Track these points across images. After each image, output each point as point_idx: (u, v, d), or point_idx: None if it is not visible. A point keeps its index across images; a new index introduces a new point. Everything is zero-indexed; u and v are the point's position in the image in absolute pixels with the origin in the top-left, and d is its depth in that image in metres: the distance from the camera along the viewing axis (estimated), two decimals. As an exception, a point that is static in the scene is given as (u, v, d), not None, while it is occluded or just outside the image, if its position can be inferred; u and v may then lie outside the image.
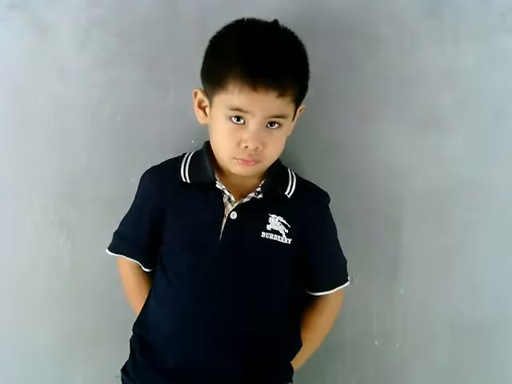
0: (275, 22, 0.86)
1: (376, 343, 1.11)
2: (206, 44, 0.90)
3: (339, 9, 1.03)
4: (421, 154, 1.06)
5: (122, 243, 0.98)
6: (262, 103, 0.81)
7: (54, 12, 1.03)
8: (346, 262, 1.00)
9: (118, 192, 1.01)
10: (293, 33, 0.87)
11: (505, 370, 1.11)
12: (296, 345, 0.97)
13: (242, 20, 0.87)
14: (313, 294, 0.99)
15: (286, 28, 0.87)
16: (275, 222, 0.91)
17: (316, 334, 1.00)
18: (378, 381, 1.13)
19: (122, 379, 0.96)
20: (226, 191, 0.90)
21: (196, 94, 0.90)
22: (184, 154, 0.97)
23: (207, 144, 0.94)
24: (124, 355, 0.97)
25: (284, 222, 0.91)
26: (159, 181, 0.94)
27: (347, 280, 1.00)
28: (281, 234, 0.91)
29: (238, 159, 0.85)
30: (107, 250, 0.99)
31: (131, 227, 0.97)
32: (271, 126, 0.84)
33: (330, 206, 0.98)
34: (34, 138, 1.07)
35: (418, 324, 1.11)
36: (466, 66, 1.03)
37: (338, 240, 0.99)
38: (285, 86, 0.81)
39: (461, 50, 1.03)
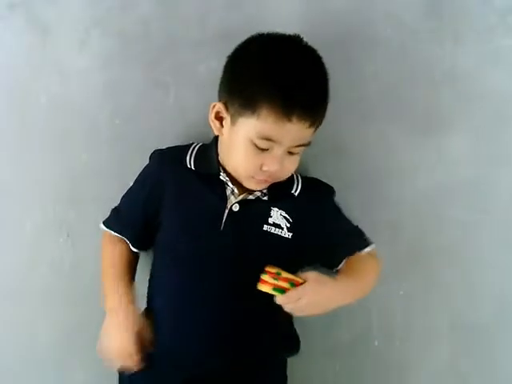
0: (300, 38, 0.86)
1: (376, 343, 1.11)
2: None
3: (339, 9, 1.03)
4: (421, 154, 1.06)
5: (117, 217, 0.98)
6: (294, 134, 0.82)
7: (54, 12, 1.03)
8: (360, 230, 0.97)
9: (117, 192, 1.01)
10: (316, 51, 0.86)
11: (505, 369, 1.11)
12: (292, 343, 0.97)
13: (268, 36, 0.86)
14: (337, 267, 0.95)
15: (310, 47, 0.86)
16: (277, 215, 0.91)
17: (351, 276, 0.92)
18: (378, 381, 1.13)
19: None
20: (229, 183, 0.90)
21: (214, 107, 0.88)
22: (192, 143, 0.97)
23: (216, 138, 0.94)
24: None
25: (286, 216, 0.92)
26: (166, 160, 0.95)
27: (369, 243, 0.96)
28: (282, 228, 0.91)
29: (255, 178, 0.87)
30: (101, 225, 0.98)
31: (129, 201, 0.97)
32: (292, 153, 0.86)
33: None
34: (33, 138, 1.07)
35: (417, 324, 1.10)
36: (466, 66, 1.04)
37: (346, 217, 0.97)
38: (317, 115, 0.84)
39: (461, 50, 1.03)
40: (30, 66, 1.05)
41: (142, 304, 0.97)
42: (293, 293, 0.82)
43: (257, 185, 0.89)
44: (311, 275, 0.84)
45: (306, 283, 0.83)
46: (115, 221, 0.98)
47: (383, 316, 1.10)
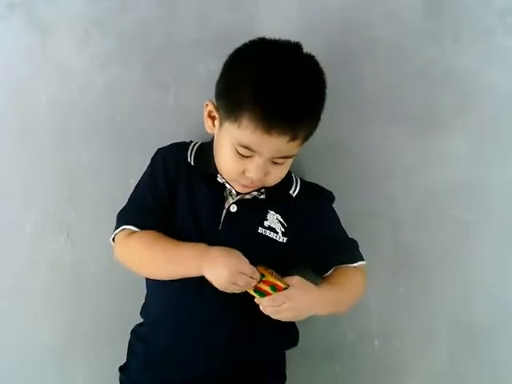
0: (298, 48, 0.84)
1: (376, 343, 1.11)
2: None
3: (339, 9, 1.03)
4: (421, 154, 1.06)
5: (145, 215, 0.91)
6: (273, 146, 0.81)
7: (54, 12, 1.03)
8: (355, 243, 0.98)
9: (117, 192, 1.01)
10: (317, 63, 0.85)
11: (505, 369, 1.11)
12: (292, 336, 0.97)
13: (265, 43, 0.84)
14: (324, 274, 0.96)
15: (309, 58, 0.84)
16: (273, 219, 0.92)
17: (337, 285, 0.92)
18: (378, 381, 1.13)
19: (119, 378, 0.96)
20: (227, 185, 0.90)
21: (207, 106, 0.89)
22: (191, 141, 0.97)
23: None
24: (124, 355, 0.97)
25: (281, 220, 0.92)
26: (173, 156, 0.94)
27: (360, 259, 0.96)
28: (277, 232, 0.91)
29: (238, 182, 0.87)
30: (130, 226, 0.90)
31: (151, 197, 0.92)
32: (276, 163, 0.85)
33: (330, 205, 0.98)
34: (33, 137, 1.07)
35: (417, 324, 1.10)
36: (466, 66, 1.04)
37: (342, 227, 0.98)
38: (299, 131, 0.81)
39: (460, 50, 1.03)
40: (30, 66, 1.05)
41: (141, 303, 0.98)
42: (279, 296, 0.83)
43: (241, 188, 0.89)
44: (295, 280, 0.85)
45: (291, 288, 0.84)
46: (148, 216, 0.91)
47: (383, 316, 1.10)
